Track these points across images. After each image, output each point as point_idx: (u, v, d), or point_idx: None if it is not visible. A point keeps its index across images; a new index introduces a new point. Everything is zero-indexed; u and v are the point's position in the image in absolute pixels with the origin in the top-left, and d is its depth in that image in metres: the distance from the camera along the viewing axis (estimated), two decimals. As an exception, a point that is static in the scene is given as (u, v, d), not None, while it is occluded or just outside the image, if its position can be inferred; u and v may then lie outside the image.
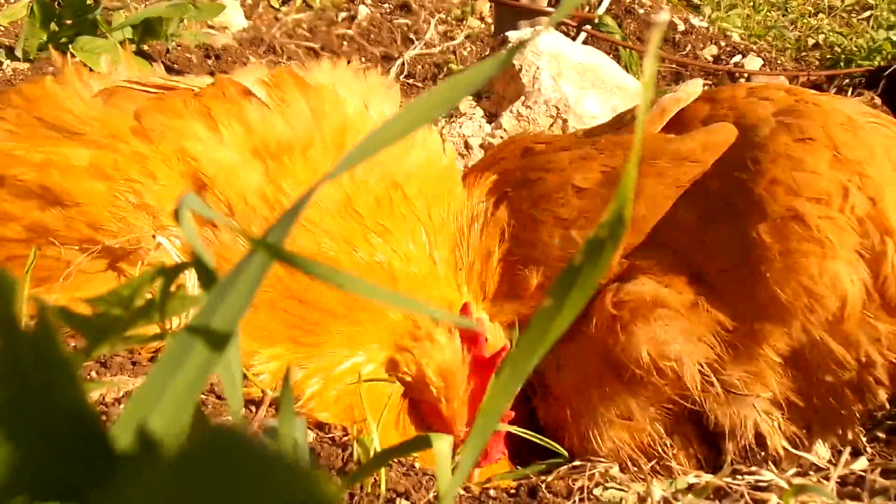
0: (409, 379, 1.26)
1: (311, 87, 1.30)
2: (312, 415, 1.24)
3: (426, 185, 1.33)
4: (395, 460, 1.20)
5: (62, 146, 1.19)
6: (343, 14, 3.19)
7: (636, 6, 3.00)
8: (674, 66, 2.68)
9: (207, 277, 0.43)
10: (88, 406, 0.29)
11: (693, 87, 1.30)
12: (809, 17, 3.26)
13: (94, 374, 1.17)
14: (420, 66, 2.94)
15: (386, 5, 3.23)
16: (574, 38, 2.33)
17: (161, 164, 1.18)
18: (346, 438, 1.23)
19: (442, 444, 0.78)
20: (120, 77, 1.40)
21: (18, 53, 2.37)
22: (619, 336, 1.17)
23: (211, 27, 3.16)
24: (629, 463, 1.22)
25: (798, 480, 1.12)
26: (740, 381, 1.17)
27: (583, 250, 0.50)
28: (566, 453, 1.17)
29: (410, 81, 2.88)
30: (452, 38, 2.99)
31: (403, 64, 2.88)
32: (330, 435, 1.25)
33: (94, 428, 0.30)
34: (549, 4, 2.05)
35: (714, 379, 1.16)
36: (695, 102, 1.29)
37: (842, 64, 2.63)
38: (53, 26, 2.41)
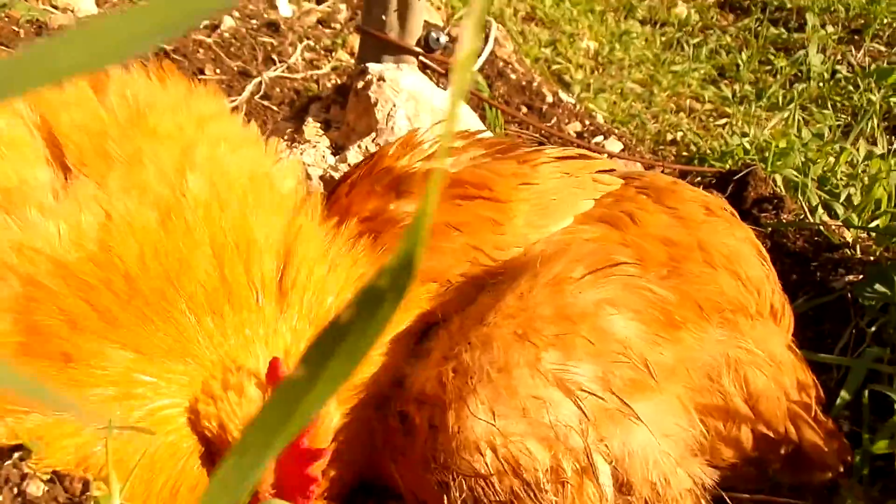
0: (209, 434, 1.06)
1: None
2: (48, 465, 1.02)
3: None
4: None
5: None
6: (205, 21, 2.97)
7: (508, 71, 2.95)
8: (538, 135, 2.63)
9: None
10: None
11: None
12: (671, 113, 3.33)
13: None
14: (278, 89, 2.75)
15: (254, 21, 3.03)
16: (444, 88, 2.23)
17: None
18: (86, 497, 1.01)
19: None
20: None
21: None
22: None
23: (55, 7, 2.86)
24: None
25: None
26: None
27: (354, 303, 0.34)
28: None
29: (266, 103, 2.69)
30: (318, 68, 2.83)
31: (261, 83, 2.69)
32: (67, 490, 1.02)
33: None
34: (418, 45, 1.93)
35: None
36: None
37: (696, 162, 2.67)
38: None
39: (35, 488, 0.98)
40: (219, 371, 1.08)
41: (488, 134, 1.74)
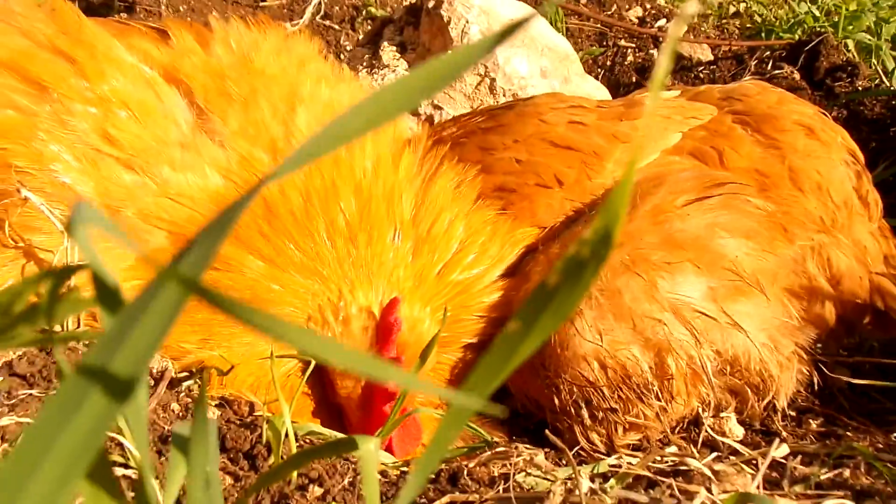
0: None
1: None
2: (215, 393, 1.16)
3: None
4: (308, 440, 1.13)
5: None
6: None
7: (563, -40, 2.92)
8: (598, 25, 2.63)
9: (109, 298, 0.34)
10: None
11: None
12: (731, -17, 3.25)
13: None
14: (337, 8, 2.79)
15: (303, -60, 3.04)
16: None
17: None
18: (253, 417, 1.15)
19: (368, 446, 0.72)
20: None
21: None
22: None
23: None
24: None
25: (719, 467, 1.11)
26: None
27: (560, 270, 0.43)
28: (489, 437, 1.13)
29: (327, 23, 2.74)
30: (373, -19, 2.85)
31: (320, 3, 2.73)
32: (237, 413, 1.17)
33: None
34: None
35: None
36: None
37: (762, 35, 2.63)
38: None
39: (211, 413, 1.13)
40: (336, 296, 1.19)
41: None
